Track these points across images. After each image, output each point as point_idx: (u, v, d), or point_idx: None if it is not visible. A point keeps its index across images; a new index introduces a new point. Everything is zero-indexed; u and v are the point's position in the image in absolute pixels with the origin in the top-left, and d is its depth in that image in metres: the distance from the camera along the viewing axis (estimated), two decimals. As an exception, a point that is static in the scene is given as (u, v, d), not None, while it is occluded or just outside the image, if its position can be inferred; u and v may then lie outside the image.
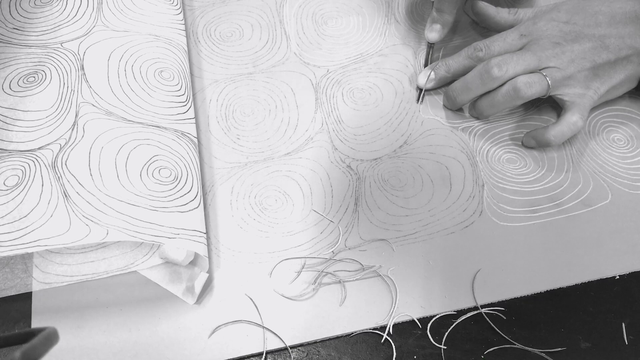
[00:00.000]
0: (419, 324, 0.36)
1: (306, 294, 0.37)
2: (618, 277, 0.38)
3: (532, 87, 0.41)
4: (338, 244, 0.39)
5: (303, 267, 0.38)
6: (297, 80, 0.47)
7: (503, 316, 0.36)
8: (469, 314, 0.36)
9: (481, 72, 0.42)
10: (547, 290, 0.37)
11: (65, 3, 0.46)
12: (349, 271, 0.37)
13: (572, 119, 0.42)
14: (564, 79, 0.42)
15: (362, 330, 0.35)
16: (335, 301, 0.36)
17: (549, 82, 0.41)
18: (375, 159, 0.43)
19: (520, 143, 0.44)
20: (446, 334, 0.36)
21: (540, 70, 0.42)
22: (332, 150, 0.43)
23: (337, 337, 0.35)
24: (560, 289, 0.37)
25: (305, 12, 0.51)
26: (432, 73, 0.45)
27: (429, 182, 0.41)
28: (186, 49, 0.46)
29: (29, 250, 0.34)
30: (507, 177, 0.42)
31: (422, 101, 0.46)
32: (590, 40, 0.42)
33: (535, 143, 0.43)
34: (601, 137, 0.44)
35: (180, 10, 0.48)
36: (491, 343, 0.35)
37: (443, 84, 0.46)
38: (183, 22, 0.48)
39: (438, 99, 0.46)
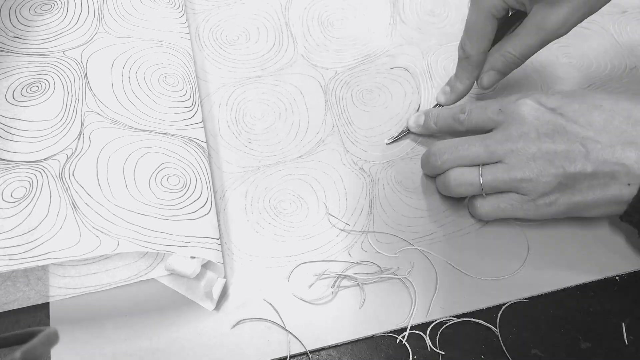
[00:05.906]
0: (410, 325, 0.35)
1: (325, 297, 0.36)
2: (618, 277, 0.38)
3: (461, 186, 0.36)
4: (355, 246, 0.38)
5: (324, 273, 0.37)
6: (305, 83, 0.46)
7: (502, 316, 0.36)
8: (463, 319, 0.36)
9: (426, 155, 0.39)
10: (547, 291, 0.37)
11: (65, 10, 0.45)
12: (367, 274, 0.37)
13: (473, 201, 0.37)
14: (512, 181, 0.35)
15: (383, 332, 0.35)
16: (354, 304, 0.36)
17: (482, 183, 0.36)
18: (388, 161, 0.42)
19: None
20: (440, 333, 0.35)
21: (485, 165, 0.36)
22: (344, 152, 0.43)
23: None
24: (560, 289, 0.37)
25: (311, 14, 0.51)
26: (422, 118, 0.42)
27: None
28: (190, 52, 0.45)
29: (40, 264, 0.33)
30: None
31: (392, 142, 0.43)
32: (570, 140, 0.33)
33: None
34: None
35: (182, 12, 0.48)
36: (491, 343, 0.35)
37: (428, 134, 0.43)
38: (186, 24, 0.47)
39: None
